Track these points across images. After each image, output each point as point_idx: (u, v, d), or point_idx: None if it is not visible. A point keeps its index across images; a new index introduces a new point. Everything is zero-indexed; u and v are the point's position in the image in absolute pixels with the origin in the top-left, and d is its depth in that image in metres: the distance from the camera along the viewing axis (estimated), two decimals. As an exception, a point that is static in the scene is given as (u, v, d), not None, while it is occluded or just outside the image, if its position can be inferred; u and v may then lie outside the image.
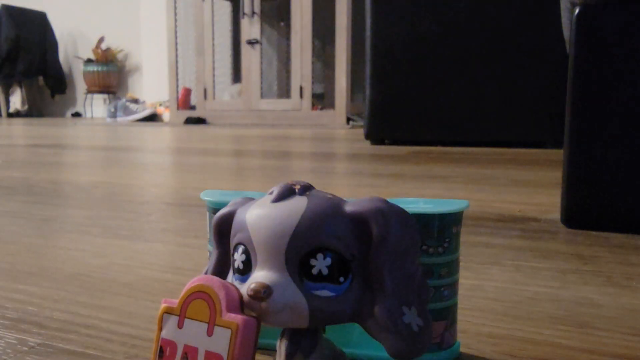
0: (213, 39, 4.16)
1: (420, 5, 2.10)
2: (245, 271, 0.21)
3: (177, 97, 4.16)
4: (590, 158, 0.66)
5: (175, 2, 4.10)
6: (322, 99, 4.17)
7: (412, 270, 0.21)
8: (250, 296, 0.20)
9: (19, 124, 4.08)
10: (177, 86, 4.16)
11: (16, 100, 5.26)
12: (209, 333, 0.21)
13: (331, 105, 3.90)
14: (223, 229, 0.23)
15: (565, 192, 0.67)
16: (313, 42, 3.87)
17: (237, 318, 0.20)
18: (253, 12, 4.00)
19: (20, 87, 5.18)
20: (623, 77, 0.64)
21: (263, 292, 0.20)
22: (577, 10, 0.66)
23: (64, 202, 0.90)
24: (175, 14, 4.12)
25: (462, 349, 0.33)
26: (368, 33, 2.17)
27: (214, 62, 4.19)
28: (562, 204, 0.68)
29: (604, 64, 0.65)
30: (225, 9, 4.38)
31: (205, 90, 4.10)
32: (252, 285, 0.20)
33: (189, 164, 1.49)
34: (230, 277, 0.23)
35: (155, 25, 4.53)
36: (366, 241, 0.21)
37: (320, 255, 0.20)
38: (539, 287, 0.45)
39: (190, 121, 4.01)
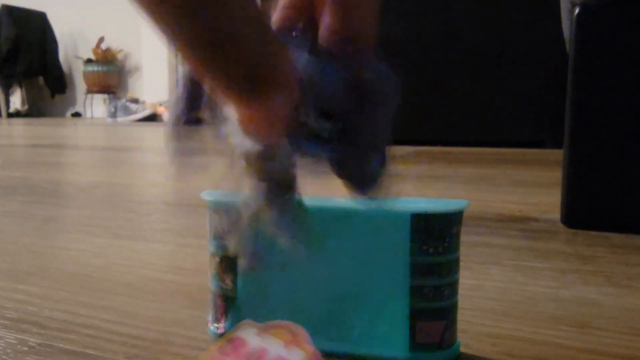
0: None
1: (420, 6, 2.10)
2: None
3: (177, 97, 4.16)
4: (590, 158, 0.66)
5: (175, 2, 4.11)
6: (322, 99, 4.17)
7: (383, 119, 0.24)
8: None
9: (19, 124, 4.08)
10: (177, 86, 4.16)
11: (16, 100, 5.26)
12: (286, 347, 0.26)
13: (331, 105, 3.90)
14: None
15: (565, 192, 0.67)
16: (313, 42, 3.87)
17: (312, 349, 0.26)
18: (253, 12, 4.00)
19: (20, 87, 5.18)
20: (623, 77, 0.64)
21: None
22: (577, 10, 0.66)
23: (64, 202, 0.90)
24: (175, 14, 4.13)
25: (462, 349, 0.33)
26: (368, 33, 2.17)
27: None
28: (562, 204, 0.68)
29: (604, 64, 0.65)
30: (225, 9, 4.37)
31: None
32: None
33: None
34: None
35: (155, 25, 4.51)
36: None
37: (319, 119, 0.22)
38: (539, 287, 0.45)
39: (190, 121, 4.01)
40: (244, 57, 0.18)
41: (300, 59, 0.21)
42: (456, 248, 0.32)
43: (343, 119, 0.22)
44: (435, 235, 0.31)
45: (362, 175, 0.23)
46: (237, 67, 0.18)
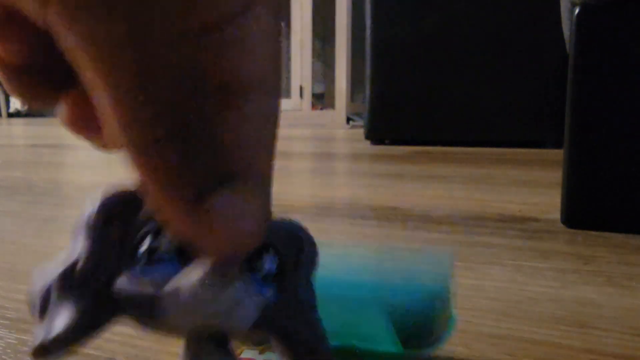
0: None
1: (420, 5, 2.10)
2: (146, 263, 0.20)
3: (177, 97, 4.16)
4: (590, 158, 0.66)
5: (175, 2, 4.11)
6: (322, 99, 4.17)
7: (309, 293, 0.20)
8: (190, 292, 0.17)
9: (19, 124, 4.08)
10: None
11: (16, 100, 5.25)
12: None
13: (331, 105, 3.90)
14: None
15: (565, 192, 0.67)
16: (313, 42, 3.88)
17: None
18: (253, 12, 3.99)
19: (20, 87, 5.17)
20: (623, 77, 0.64)
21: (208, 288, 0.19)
22: (577, 10, 0.66)
23: (64, 202, 0.90)
24: (175, 14, 4.12)
25: (462, 349, 0.33)
26: (368, 33, 2.17)
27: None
28: (562, 204, 0.68)
29: (604, 64, 0.65)
30: (225, 9, 4.37)
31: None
32: (195, 280, 0.19)
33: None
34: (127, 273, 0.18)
35: (155, 25, 4.52)
36: None
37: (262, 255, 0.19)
38: (539, 287, 0.45)
39: (190, 121, 4.01)
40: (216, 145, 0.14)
41: None
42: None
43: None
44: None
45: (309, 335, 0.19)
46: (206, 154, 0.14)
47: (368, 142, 2.26)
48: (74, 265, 0.16)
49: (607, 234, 0.63)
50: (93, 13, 0.13)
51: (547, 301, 0.42)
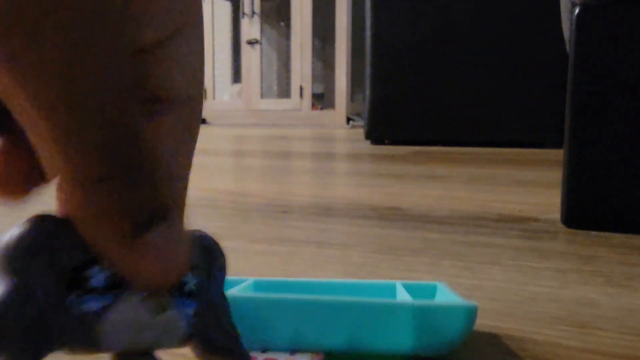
0: (213, 39, 4.16)
1: (420, 5, 2.10)
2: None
3: (177, 97, 4.16)
4: (590, 158, 0.66)
5: (175, 2, 4.11)
6: (322, 99, 4.17)
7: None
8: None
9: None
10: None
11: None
12: (292, 354, 0.29)
13: (331, 105, 3.90)
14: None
15: (565, 192, 0.67)
16: (313, 42, 3.88)
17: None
18: (253, 12, 4.00)
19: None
20: (623, 77, 0.64)
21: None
22: (577, 10, 0.66)
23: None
24: (175, 14, 4.13)
25: (462, 349, 0.33)
26: (368, 33, 2.17)
27: (214, 62, 4.19)
28: (562, 204, 0.68)
29: (604, 64, 0.65)
30: (225, 9, 4.38)
31: (205, 91, 4.11)
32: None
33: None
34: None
35: (155, 25, 4.51)
36: None
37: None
38: (539, 287, 0.45)
39: (190, 121, 4.01)
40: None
41: None
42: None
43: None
44: None
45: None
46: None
47: (368, 142, 2.26)
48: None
49: (607, 234, 0.63)
50: (23, 49, 0.13)
51: (547, 301, 0.42)
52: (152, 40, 0.15)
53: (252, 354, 0.29)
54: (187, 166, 0.17)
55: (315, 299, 0.30)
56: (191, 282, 0.19)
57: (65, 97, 0.13)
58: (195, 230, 0.20)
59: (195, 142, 0.18)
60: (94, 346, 0.16)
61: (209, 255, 0.20)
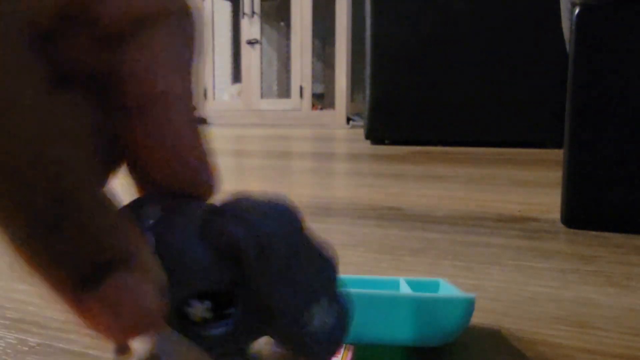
0: (213, 39, 4.16)
1: (420, 6, 2.10)
2: None
3: (177, 97, 4.16)
4: (590, 158, 0.66)
5: (175, 2, 4.11)
6: (322, 99, 4.17)
7: (304, 272, 0.18)
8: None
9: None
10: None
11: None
12: None
13: (331, 105, 3.90)
14: None
15: (565, 192, 0.67)
16: (313, 42, 3.88)
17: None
18: (253, 12, 4.00)
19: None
20: (623, 77, 0.64)
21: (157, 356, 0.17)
22: (577, 10, 0.66)
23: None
24: (175, 14, 4.13)
25: (463, 349, 0.33)
26: (368, 33, 2.17)
27: (213, 62, 4.19)
28: (562, 204, 0.68)
29: (604, 64, 0.65)
30: (225, 9, 4.38)
31: (205, 91, 4.11)
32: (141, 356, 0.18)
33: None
34: None
35: (155, 25, 4.52)
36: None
37: (194, 301, 0.17)
38: (539, 287, 0.45)
39: (190, 121, 4.02)
40: (80, 235, 0.13)
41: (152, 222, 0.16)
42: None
43: (225, 289, 0.17)
44: None
45: (301, 335, 0.18)
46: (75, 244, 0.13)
47: (368, 142, 2.26)
48: None
49: (607, 234, 0.63)
50: None
51: (547, 301, 0.42)
52: (120, 28, 0.15)
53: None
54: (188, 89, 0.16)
55: None
56: (196, 312, 0.18)
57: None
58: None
59: (195, 132, 0.17)
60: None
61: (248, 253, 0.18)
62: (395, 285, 0.37)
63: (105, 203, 0.14)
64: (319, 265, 0.19)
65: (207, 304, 0.17)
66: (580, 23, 0.66)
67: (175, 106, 0.16)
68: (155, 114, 0.16)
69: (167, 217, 0.17)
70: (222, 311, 0.17)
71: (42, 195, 0.13)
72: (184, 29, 0.16)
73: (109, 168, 0.18)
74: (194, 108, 0.17)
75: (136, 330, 0.14)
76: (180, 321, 0.17)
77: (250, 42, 4.00)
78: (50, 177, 0.13)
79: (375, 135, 2.22)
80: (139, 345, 0.18)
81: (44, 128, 0.13)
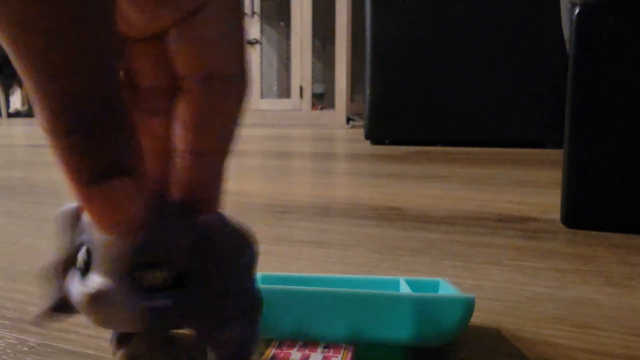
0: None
1: (420, 6, 2.10)
2: (85, 272, 0.21)
3: (177, 97, 4.16)
4: (590, 158, 0.66)
5: (175, 2, 4.11)
6: (322, 99, 4.17)
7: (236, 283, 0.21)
8: (86, 300, 0.20)
9: (19, 124, 4.08)
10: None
11: (16, 100, 5.26)
12: (326, 347, 0.30)
13: (331, 105, 3.90)
14: (70, 223, 0.23)
15: (565, 192, 0.67)
16: (313, 42, 3.88)
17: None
18: (253, 12, 4.00)
19: (20, 87, 5.18)
20: (623, 77, 0.64)
21: (97, 298, 0.20)
22: (577, 10, 0.66)
23: (64, 202, 0.89)
24: (175, 14, 4.12)
25: (463, 349, 0.33)
26: (368, 33, 2.17)
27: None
28: (562, 204, 0.68)
29: (604, 64, 0.65)
30: (225, 9, 4.37)
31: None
32: (89, 290, 0.20)
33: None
34: (72, 273, 0.22)
35: (155, 25, 4.51)
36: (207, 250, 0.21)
37: (154, 269, 0.20)
38: (539, 287, 0.45)
39: (190, 121, 4.01)
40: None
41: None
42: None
43: (184, 273, 0.20)
44: None
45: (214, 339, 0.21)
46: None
47: (368, 142, 2.26)
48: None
49: (607, 234, 0.64)
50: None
51: (547, 301, 0.42)
52: (176, 16, 0.18)
53: (289, 346, 0.30)
54: (229, 139, 0.21)
55: (320, 290, 0.30)
56: (158, 275, 0.20)
57: (42, 48, 0.15)
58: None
59: (239, 115, 0.21)
60: (165, 332, 0.20)
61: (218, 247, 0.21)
62: (395, 285, 0.37)
63: (129, 119, 0.17)
64: (250, 298, 0.21)
65: (166, 274, 0.19)
66: (580, 23, 0.66)
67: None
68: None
69: (160, 196, 0.21)
70: (168, 290, 0.20)
71: (89, 97, 0.16)
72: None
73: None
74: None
75: (120, 228, 0.18)
76: (133, 280, 0.19)
77: (250, 42, 4.00)
78: (98, 82, 0.16)
79: (375, 135, 2.22)
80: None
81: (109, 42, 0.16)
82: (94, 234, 0.20)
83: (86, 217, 0.21)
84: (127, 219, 0.18)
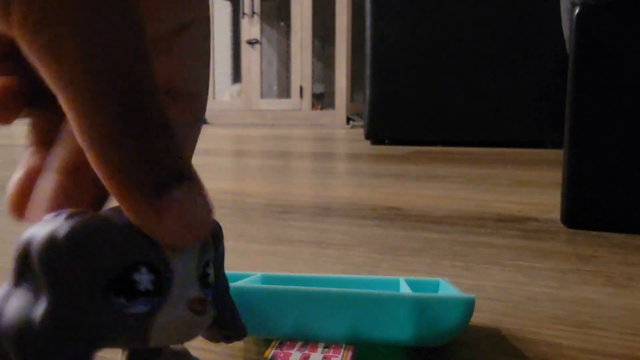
0: (213, 39, 4.16)
1: (420, 6, 2.10)
2: (156, 292, 0.19)
3: (177, 97, 4.16)
4: (590, 158, 0.66)
5: (175, 2, 4.11)
6: (322, 99, 4.17)
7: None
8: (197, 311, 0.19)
9: (19, 124, 4.07)
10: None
11: (16, 100, 5.24)
12: (326, 347, 0.30)
13: (331, 105, 3.90)
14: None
15: (565, 192, 0.67)
16: (313, 42, 3.88)
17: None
18: (253, 12, 4.00)
19: (20, 87, 5.19)
20: (623, 77, 0.64)
21: (203, 304, 0.19)
22: (577, 10, 0.66)
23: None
24: (175, 14, 4.12)
25: (462, 349, 0.33)
26: (368, 33, 2.17)
27: (214, 62, 4.18)
28: (562, 204, 0.68)
29: (604, 64, 0.65)
30: (225, 9, 4.38)
31: (205, 90, 4.11)
32: (198, 298, 0.19)
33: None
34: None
35: (155, 25, 4.51)
36: None
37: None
38: (539, 287, 0.45)
39: (190, 121, 4.01)
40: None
41: None
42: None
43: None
44: None
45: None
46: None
47: (368, 142, 2.26)
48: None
49: (607, 234, 0.63)
50: (54, 25, 0.14)
51: (547, 301, 0.42)
52: (164, 32, 0.18)
53: (289, 346, 0.30)
54: (192, 149, 0.21)
55: (319, 290, 0.30)
56: (211, 274, 0.19)
57: (84, 64, 0.14)
58: None
59: (199, 132, 0.21)
60: (144, 343, 0.17)
61: (217, 240, 0.20)
62: (395, 285, 0.37)
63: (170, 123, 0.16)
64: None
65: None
66: (580, 23, 0.66)
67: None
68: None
69: None
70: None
71: (149, 115, 0.15)
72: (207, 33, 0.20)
73: None
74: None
75: (195, 235, 0.16)
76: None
77: (250, 42, 4.00)
78: (150, 103, 0.15)
79: (375, 135, 2.22)
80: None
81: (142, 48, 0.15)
82: (156, 250, 0.17)
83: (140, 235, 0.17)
84: (201, 225, 0.16)
